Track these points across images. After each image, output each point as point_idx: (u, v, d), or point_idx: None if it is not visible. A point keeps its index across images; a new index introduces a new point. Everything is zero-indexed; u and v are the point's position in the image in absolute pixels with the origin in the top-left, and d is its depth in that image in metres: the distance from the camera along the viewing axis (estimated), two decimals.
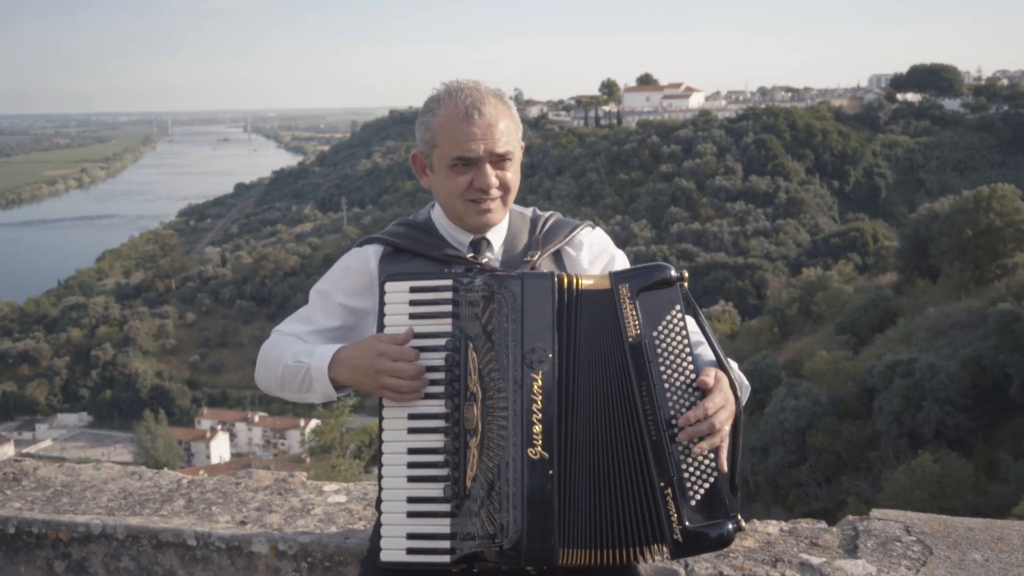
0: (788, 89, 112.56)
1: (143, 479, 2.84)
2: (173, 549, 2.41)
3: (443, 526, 1.85)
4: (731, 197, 71.78)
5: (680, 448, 1.82)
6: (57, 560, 2.53)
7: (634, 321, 1.85)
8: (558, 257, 2.17)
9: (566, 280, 1.88)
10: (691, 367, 1.86)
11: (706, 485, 1.83)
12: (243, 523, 2.43)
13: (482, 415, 1.84)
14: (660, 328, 1.86)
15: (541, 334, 1.84)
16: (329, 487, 2.67)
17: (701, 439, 1.82)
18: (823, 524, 2.35)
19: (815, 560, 2.14)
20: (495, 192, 2.05)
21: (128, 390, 64.28)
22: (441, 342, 1.89)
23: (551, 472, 1.80)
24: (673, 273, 1.89)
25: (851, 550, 2.19)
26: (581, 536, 1.82)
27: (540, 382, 1.82)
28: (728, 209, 70.30)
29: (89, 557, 2.49)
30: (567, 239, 2.18)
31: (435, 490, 1.87)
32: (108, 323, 71.63)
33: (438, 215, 2.19)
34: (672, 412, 1.83)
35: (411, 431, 1.90)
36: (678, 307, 1.88)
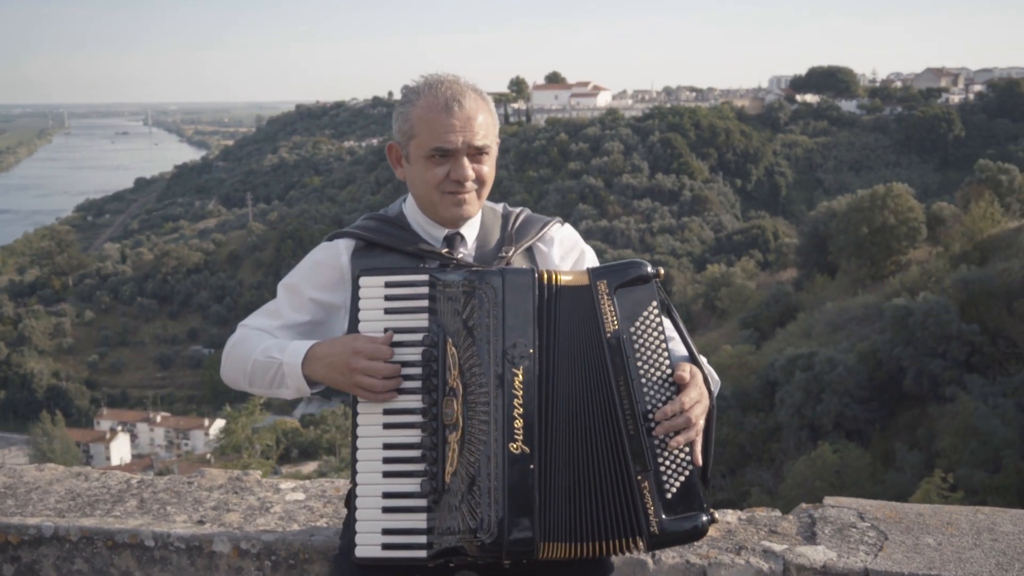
0: (692, 89, 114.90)
1: (90, 480, 2.78)
2: (130, 550, 2.36)
3: (419, 521, 1.86)
4: (638, 195, 72.91)
5: (656, 442, 1.85)
6: (6, 564, 2.46)
7: (612, 317, 1.87)
8: (530, 253, 2.17)
9: (546, 276, 1.90)
10: (667, 362, 1.89)
11: (681, 478, 1.86)
12: (201, 522, 2.40)
13: (463, 410, 1.85)
14: (637, 324, 1.88)
15: (522, 330, 1.85)
16: (286, 485, 2.66)
17: (677, 433, 1.85)
18: (778, 513, 2.43)
19: (777, 547, 2.22)
20: (471, 185, 2.05)
21: (23, 391, 61.89)
22: (417, 337, 1.89)
23: (532, 467, 1.82)
24: (649, 270, 1.92)
25: (809, 537, 2.27)
26: (561, 530, 1.84)
27: (521, 377, 1.83)
28: (635, 207, 71.40)
29: (40, 560, 2.43)
30: (539, 235, 2.19)
31: (411, 485, 1.86)
32: (2, 322, 68.83)
33: (410, 209, 2.17)
34: (649, 407, 1.86)
35: (386, 426, 1.90)
36: (654, 303, 1.91)
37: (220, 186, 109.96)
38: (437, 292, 1.89)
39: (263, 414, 18.12)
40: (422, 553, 1.85)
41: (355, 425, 1.92)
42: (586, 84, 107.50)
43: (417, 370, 1.89)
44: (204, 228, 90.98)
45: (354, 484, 1.90)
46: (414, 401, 1.89)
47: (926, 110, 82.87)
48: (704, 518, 1.86)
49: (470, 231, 2.15)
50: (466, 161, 2.03)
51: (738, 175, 79.55)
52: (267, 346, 2.05)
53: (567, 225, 2.26)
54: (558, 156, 78.67)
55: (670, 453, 1.86)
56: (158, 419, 55.97)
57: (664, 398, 1.87)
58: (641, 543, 1.85)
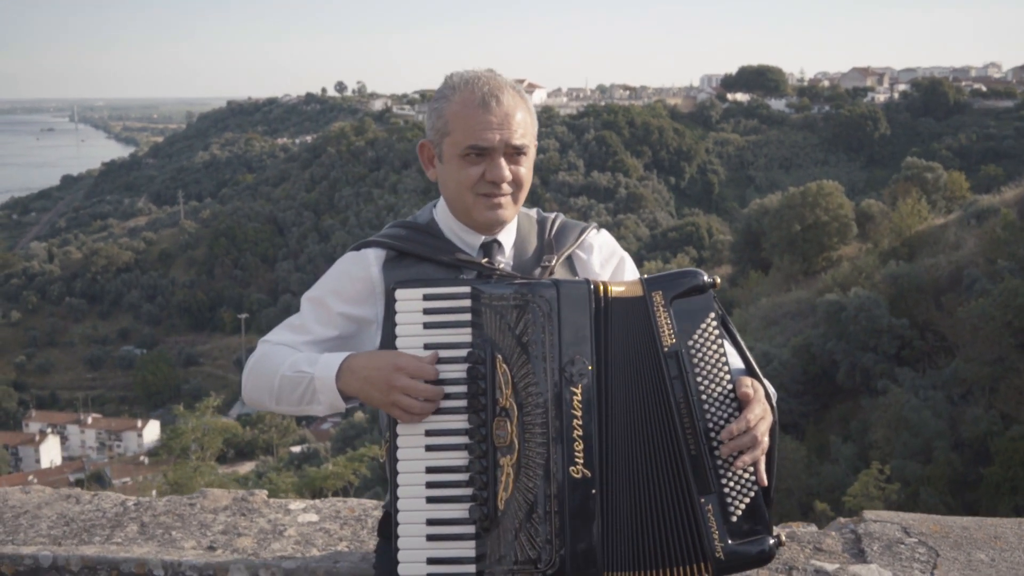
0: (626, 87, 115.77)
1: (81, 503, 2.69)
2: None
3: (468, 549, 1.76)
4: (574, 192, 73.29)
5: (719, 462, 1.76)
6: None
7: (669, 330, 1.77)
8: (570, 261, 2.06)
9: (601, 287, 1.80)
10: (728, 377, 1.79)
11: (747, 500, 1.76)
12: (212, 548, 2.35)
13: (518, 432, 1.74)
14: (695, 337, 1.78)
15: (579, 345, 1.75)
16: (295, 505, 2.58)
17: (742, 453, 1.75)
18: (814, 528, 2.40)
19: (829, 567, 2.17)
20: (507, 187, 1.94)
21: None
22: (461, 353, 1.78)
23: (594, 491, 1.73)
24: (706, 279, 1.82)
25: (857, 554, 2.24)
26: (624, 558, 1.75)
27: (580, 396, 1.73)
28: (571, 204, 71.69)
29: None
30: (578, 242, 2.07)
31: (458, 511, 1.77)
32: None
33: (442, 215, 2.05)
34: (711, 424, 1.76)
35: (429, 448, 1.79)
36: (712, 315, 1.81)
37: (150, 183, 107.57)
38: (482, 305, 1.78)
39: (214, 417, 17.75)
40: None
41: (394, 447, 1.81)
42: (522, 82, 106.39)
43: (461, 388, 1.78)
44: (134, 226, 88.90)
45: (395, 511, 1.79)
46: (459, 421, 1.79)
47: (853, 109, 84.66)
48: (771, 541, 1.78)
49: (507, 238, 2.04)
50: (503, 161, 1.91)
51: (672, 173, 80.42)
52: (295, 360, 1.94)
53: (603, 230, 2.16)
54: None
55: (734, 473, 1.76)
56: (89, 421, 54.60)
57: (726, 415, 1.77)
58: (707, 569, 1.75)
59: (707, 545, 1.74)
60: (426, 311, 1.80)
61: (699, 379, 1.77)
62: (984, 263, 28.50)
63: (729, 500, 1.76)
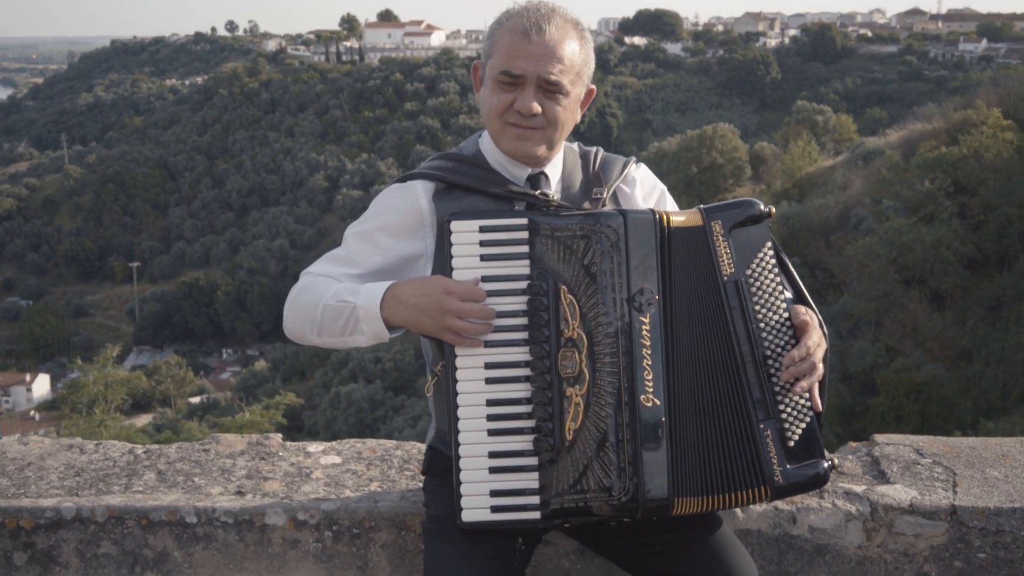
0: None
1: (87, 452, 2.60)
2: (168, 528, 2.23)
3: (531, 480, 1.77)
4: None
5: (777, 388, 1.80)
6: (17, 551, 2.30)
7: (728, 259, 1.79)
8: (614, 196, 2.05)
9: (664, 217, 1.80)
10: (784, 305, 1.83)
11: (803, 425, 1.81)
12: (240, 493, 2.33)
13: (588, 362, 1.74)
14: (753, 266, 1.81)
15: (646, 274, 1.76)
16: (314, 448, 2.57)
17: (799, 379, 1.79)
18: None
19: (858, 488, 2.26)
20: (537, 121, 1.89)
21: None
22: (520, 285, 1.77)
23: (663, 419, 1.75)
24: (763, 208, 1.83)
25: (879, 475, 2.34)
26: (693, 484, 1.78)
27: (648, 325, 1.75)
28: None
29: (59, 545, 2.27)
30: (622, 176, 2.06)
31: (521, 443, 1.77)
32: None
33: (488, 147, 2.02)
34: (768, 352, 1.80)
35: (489, 381, 1.77)
36: (768, 244, 1.83)
37: (31, 127, 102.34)
38: (542, 236, 1.77)
39: (116, 367, 17.27)
40: (536, 514, 1.78)
41: (453, 380, 1.78)
42: (420, 23, 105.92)
43: (521, 320, 1.77)
44: (15, 172, 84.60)
45: (456, 444, 1.78)
46: (520, 353, 1.78)
47: (745, 54, 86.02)
48: (825, 464, 1.83)
49: (554, 171, 2.02)
50: (533, 92, 1.87)
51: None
52: (338, 290, 1.89)
53: (642, 164, 2.15)
54: (393, 96, 77.45)
55: (791, 399, 1.80)
56: None
57: (782, 342, 1.81)
58: (767, 492, 1.80)
59: (767, 470, 1.79)
60: (483, 243, 1.78)
61: (757, 307, 1.81)
62: (870, 203, 29.62)
63: (787, 426, 1.80)
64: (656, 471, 1.76)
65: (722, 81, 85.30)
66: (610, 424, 1.75)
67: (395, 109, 76.21)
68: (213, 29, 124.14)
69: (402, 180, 2.02)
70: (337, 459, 2.52)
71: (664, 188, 2.14)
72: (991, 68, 65.39)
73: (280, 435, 2.66)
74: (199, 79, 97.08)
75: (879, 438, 2.54)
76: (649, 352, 1.76)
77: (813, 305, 1.90)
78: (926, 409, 20.01)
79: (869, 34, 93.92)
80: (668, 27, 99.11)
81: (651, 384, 1.75)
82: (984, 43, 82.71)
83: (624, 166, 2.09)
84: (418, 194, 1.97)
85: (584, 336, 1.75)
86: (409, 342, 40.62)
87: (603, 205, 1.99)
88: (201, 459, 2.55)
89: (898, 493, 2.25)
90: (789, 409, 1.81)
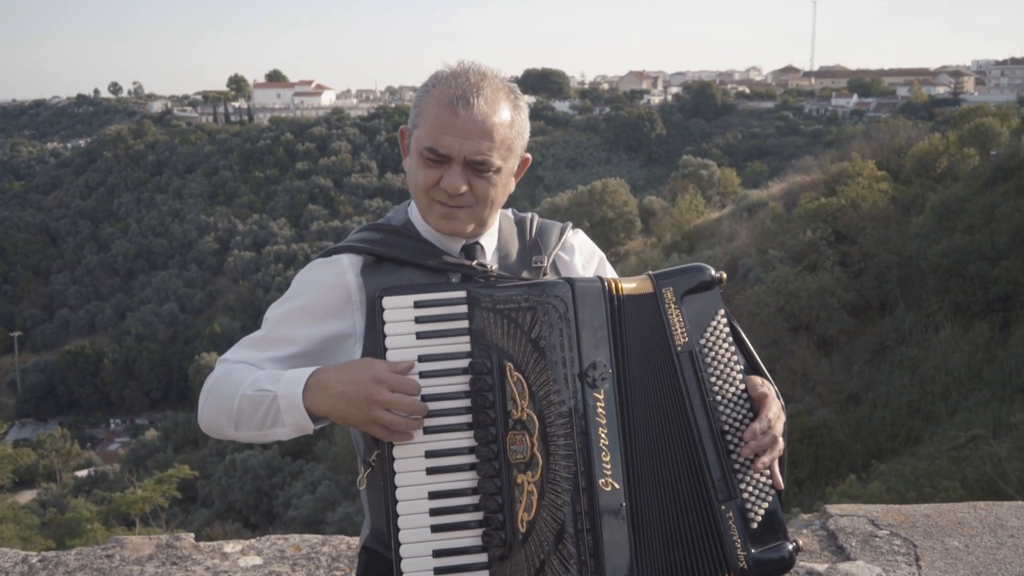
0: (414, 89, 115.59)
1: None
2: None
3: None
4: (368, 194, 72.60)
5: (737, 466, 1.69)
6: None
7: (681, 328, 1.69)
8: (553, 265, 1.94)
9: (613, 285, 1.70)
10: (740, 376, 1.72)
11: (765, 504, 1.70)
12: None
13: (541, 445, 1.61)
14: (707, 335, 1.71)
15: (598, 347, 1.64)
16: (231, 548, 2.38)
17: (759, 455, 1.69)
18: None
19: (819, 567, 2.18)
20: (465, 199, 1.78)
21: None
22: (461, 363, 1.65)
23: (623, 504, 1.62)
24: (714, 274, 1.75)
25: (838, 551, 2.26)
26: (656, 573, 1.65)
27: (603, 402, 1.63)
28: (366, 206, 70.96)
29: None
30: (560, 243, 1.96)
31: (468, 538, 1.64)
32: None
33: (418, 216, 1.90)
34: (727, 427, 1.69)
35: (431, 471, 1.64)
36: (721, 311, 1.74)
37: None
38: (483, 310, 1.66)
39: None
40: None
41: (391, 472, 1.64)
42: (309, 83, 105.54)
43: (464, 402, 1.65)
44: None
45: (396, 543, 1.63)
46: (463, 439, 1.65)
47: (631, 111, 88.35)
48: (790, 546, 1.70)
49: (489, 241, 1.91)
50: (460, 171, 1.75)
51: None
52: (257, 377, 1.73)
53: (579, 230, 2.05)
54: (284, 156, 76.69)
55: (752, 478, 1.70)
56: None
57: (740, 415, 1.71)
58: None
59: (731, 555, 1.66)
60: (418, 319, 1.66)
61: (713, 379, 1.70)
62: (756, 253, 30.54)
63: (749, 506, 1.69)
64: (619, 563, 1.63)
65: (610, 137, 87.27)
66: (567, 513, 1.61)
67: (286, 169, 75.40)
68: (96, 91, 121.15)
69: (326, 254, 1.88)
70: (258, 560, 2.35)
71: (602, 255, 2.04)
72: (863, 122, 68.71)
73: (192, 535, 2.49)
74: (82, 142, 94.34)
75: (832, 509, 2.49)
76: (605, 431, 1.63)
77: (768, 375, 1.80)
78: (819, 453, 20.46)
79: (747, 91, 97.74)
80: (555, 86, 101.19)
81: (609, 466, 1.63)
82: (855, 98, 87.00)
83: (562, 232, 1.99)
84: (344, 269, 1.83)
85: (535, 417, 1.63)
86: None
87: (544, 274, 1.89)
88: (105, 567, 2.35)
89: (862, 571, 2.20)
90: (751, 488, 1.71)
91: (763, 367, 1.80)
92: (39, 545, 13.49)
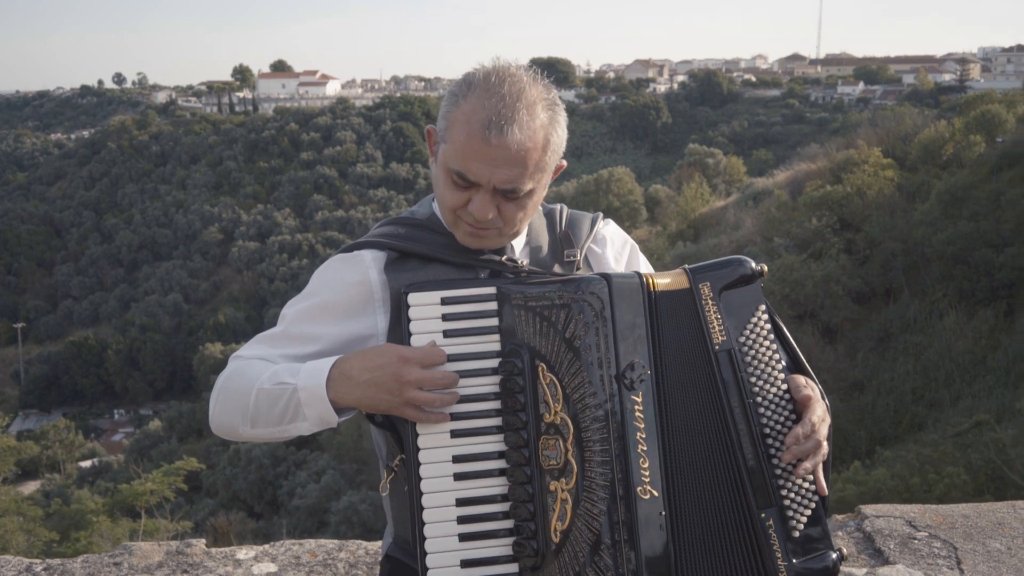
0: (421, 78, 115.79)
1: None
2: None
3: None
4: (373, 184, 72.53)
5: (779, 471, 1.59)
6: None
7: (719, 325, 1.60)
8: (585, 259, 1.85)
9: (649, 281, 1.60)
10: (782, 376, 1.62)
11: (807, 512, 1.60)
12: None
13: (576, 451, 1.52)
14: (747, 332, 1.61)
15: (636, 347, 1.54)
16: (244, 554, 2.27)
17: (802, 459, 1.59)
18: None
19: (858, 571, 2.09)
20: (492, 222, 1.68)
21: None
22: (491, 363, 1.57)
23: (663, 513, 1.53)
24: (754, 267, 1.64)
25: (875, 554, 2.16)
26: None
27: (641, 405, 1.53)
28: (371, 196, 70.95)
29: None
30: (591, 235, 1.86)
31: (499, 548, 1.55)
32: None
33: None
34: (767, 430, 1.59)
35: (459, 476, 1.55)
36: (762, 307, 1.64)
37: None
38: (515, 307, 1.57)
39: (2, 435, 16.25)
40: None
41: (417, 478, 1.55)
42: (314, 73, 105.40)
43: (493, 404, 1.57)
44: None
45: (421, 553, 1.54)
46: (493, 443, 1.57)
47: (637, 99, 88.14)
48: (833, 555, 1.61)
49: (519, 235, 1.80)
50: (488, 199, 1.64)
51: None
52: (275, 371, 1.64)
53: (610, 220, 1.95)
54: (289, 146, 76.64)
55: (794, 483, 1.60)
56: None
57: (782, 418, 1.61)
58: None
59: (770, 565, 1.57)
60: (446, 317, 1.58)
61: (753, 379, 1.61)
62: (762, 241, 30.44)
63: (791, 513, 1.60)
64: (660, 574, 1.53)
65: (615, 126, 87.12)
66: (604, 522, 1.51)
67: (291, 159, 75.36)
68: (100, 82, 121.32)
69: (348, 250, 1.78)
70: (272, 567, 2.25)
71: (634, 244, 1.95)
72: (868, 109, 68.42)
73: (203, 540, 2.39)
74: (86, 133, 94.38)
75: (866, 509, 2.39)
76: (644, 436, 1.53)
77: (812, 373, 1.71)
78: None
79: (753, 79, 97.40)
80: (561, 75, 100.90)
81: (647, 473, 1.53)
82: (861, 86, 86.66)
83: (593, 223, 1.89)
84: (367, 265, 1.73)
85: (569, 421, 1.53)
86: None
87: (577, 268, 1.80)
88: None
89: (901, 575, 2.07)
90: (792, 495, 1.60)
91: (806, 365, 1.70)
92: (43, 537, 13.45)
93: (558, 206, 1.93)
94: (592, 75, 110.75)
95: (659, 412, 1.56)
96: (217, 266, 66.03)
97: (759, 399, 1.60)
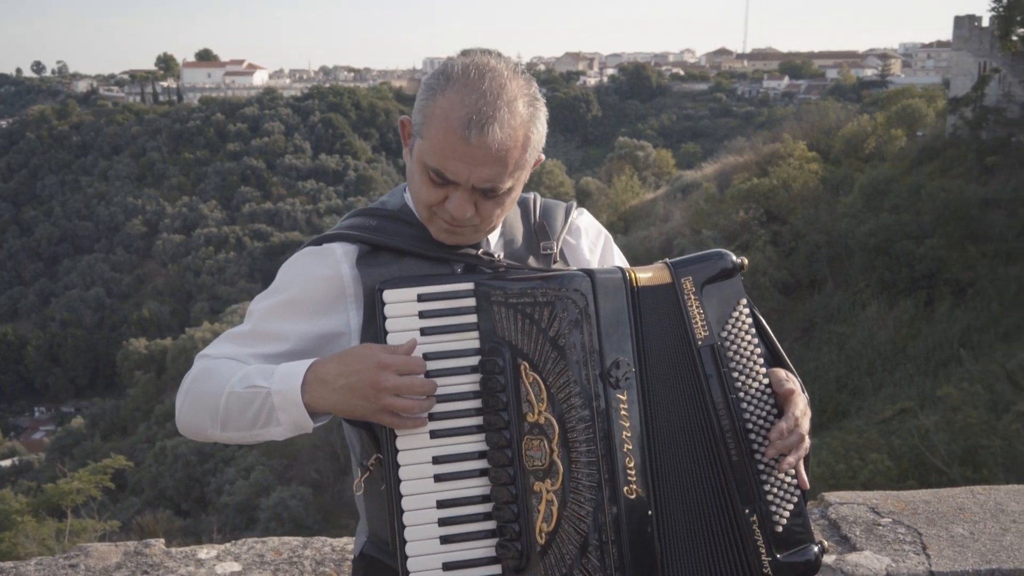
0: (350, 69, 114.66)
1: None
2: None
3: None
4: (302, 176, 71.68)
5: (761, 467, 1.58)
6: None
7: (701, 320, 1.58)
8: (560, 252, 1.79)
9: (632, 276, 1.57)
10: (763, 371, 1.61)
11: (790, 506, 1.59)
12: None
13: (561, 451, 1.49)
14: (728, 327, 1.60)
15: (620, 344, 1.52)
16: (205, 553, 2.19)
17: (785, 454, 1.57)
18: None
19: (827, 559, 2.10)
20: (470, 220, 1.63)
21: None
22: (471, 361, 1.53)
23: (649, 513, 1.52)
24: (735, 260, 1.63)
25: (842, 541, 2.20)
26: None
27: (626, 403, 1.51)
28: (300, 188, 70.13)
29: None
30: (567, 226, 1.81)
31: (481, 550, 1.52)
32: None
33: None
34: (749, 425, 1.58)
35: (439, 478, 1.51)
36: (743, 301, 1.62)
37: None
38: (493, 304, 1.53)
39: None
40: None
41: (396, 480, 1.51)
42: (241, 62, 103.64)
43: (473, 403, 1.53)
44: None
45: (402, 556, 1.50)
46: (474, 443, 1.53)
47: (567, 92, 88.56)
48: (815, 549, 1.60)
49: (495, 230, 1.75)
50: (467, 196, 1.59)
51: (400, 155, 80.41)
52: (247, 373, 1.57)
53: (583, 209, 1.89)
54: (215, 137, 75.28)
55: (776, 479, 1.59)
56: None
57: (764, 412, 1.60)
58: None
59: (754, 562, 1.56)
60: (423, 314, 1.53)
61: (735, 374, 1.59)
62: (691, 233, 30.90)
63: (774, 508, 1.59)
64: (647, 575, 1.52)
65: (547, 119, 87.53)
66: (591, 523, 1.49)
67: (217, 150, 74.02)
68: (18, 70, 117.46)
69: (316, 243, 1.71)
70: (236, 566, 2.18)
71: (608, 235, 1.89)
72: (793, 103, 69.80)
73: (162, 540, 2.29)
74: (3, 123, 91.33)
75: (830, 496, 2.42)
76: (628, 435, 1.51)
77: (791, 366, 1.69)
78: None
79: (681, 73, 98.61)
80: None
81: (633, 473, 1.51)
82: (786, 80, 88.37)
83: (567, 213, 1.83)
84: (338, 259, 1.66)
85: (554, 421, 1.50)
86: None
87: (554, 261, 1.76)
88: None
89: (871, 561, 2.12)
90: (775, 490, 1.59)
91: (786, 358, 1.68)
92: None
93: (531, 195, 1.85)
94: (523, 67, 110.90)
95: (644, 410, 1.54)
96: (141, 259, 64.62)
97: (741, 394, 1.59)
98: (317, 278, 1.66)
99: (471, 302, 1.55)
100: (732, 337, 1.60)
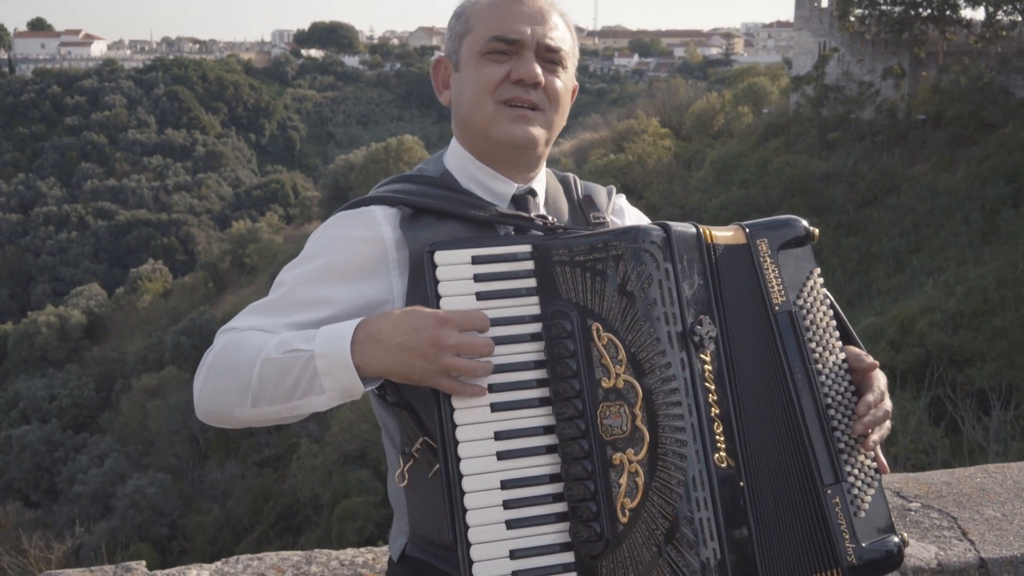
0: (195, 41, 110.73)
1: None
2: None
3: None
4: (147, 151, 68.81)
5: (842, 445, 1.47)
6: None
7: (778, 285, 1.48)
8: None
9: (707, 232, 1.47)
10: (839, 344, 1.53)
11: (871, 490, 1.49)
12: None
13: (645, 416, 1.36)
14: (804, 295, 1.51)
15: (700, 302, 1.41)
16: (195, 574, 1.98)
17: (870, 432, 1.48)
18: None
19: None
20: (537, 95, 1.55)
21: None
22: (532, 328, 1.42)
23: (741, 484, 1.39)
24: (807, 228, 1.54)
25: None
26: (776, 567, 1.41)
27: (711, 365, 1.40)
28: (145, 164, 67.33)
29: None
30: (610, 204, 1.75)
31: (551, 535, 1.38)
32: None
33: (457, 164, 1.63)
34: (828, 400, 1.48)
35: (502, 456, 1.38)
36: (817, 270, 1.54)
37: None
38: (555, 264, 1.42)
39: None
40: None
41: (456, 459, 1.37)
42: (77, 32, 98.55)
43: (537, 373, 1.41)
44: None
45: (464, 544, 1.35)
46: (540, 416, 1.41)
47: (422, 67, 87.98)
48: (895, 539, 1.48)
49: (540, 185, 1.66)
50: (531, 59, 1.54)
51: (251, 130, 78.47)
52: (283, 339, 1.42)
53: (622, 195, 1.85)
54: (52, 110, 71.28)
55: (857, 459, 1.48)
56: None
57: (842, 388, 1.50)
58: None
59: (838, 548, 1.43)
60: (477, 277, 1.41)
61: (812, 345, 1.49)
62: None
63: (855, 492, 1.47)
64: (744, 555, 1.38)
65: (401, 94, 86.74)
66: (683, 494, 1.34)
67: (54, 124, 70.13)
68: None
69: (352, 206, 1.58)
70: None
71: (646, 219, 1.78)
72: (644, 81, 71.57)
73: (143, 562, 2.09)
74: None
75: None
76: (716, 399, 1.39)
77: (862, 345, 1.59)
78: None
79: None
80: (344, 40, 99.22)
81: (723, 440, 1.38)
82: (636, 58, 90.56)
83: (609, 194, 1.78)
84: (378, 221, 1.53)
85: (636, 383, 1.37)
86: (88, 374, 37.42)
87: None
88: None
89: (918, 551, 2.00)
90: (856, 471, 1.48)
91: (857, 338, 1.60)
92: None
93: (570, 174, 1.80)
94: (376, 42, 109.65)
95: (728, 373, 1.43)
96: None
97: (819, 367, 1.50)
98: (357, 240, 1.53)
99: (529, 265, 1.44)
100: (808, 306, 1.52)
